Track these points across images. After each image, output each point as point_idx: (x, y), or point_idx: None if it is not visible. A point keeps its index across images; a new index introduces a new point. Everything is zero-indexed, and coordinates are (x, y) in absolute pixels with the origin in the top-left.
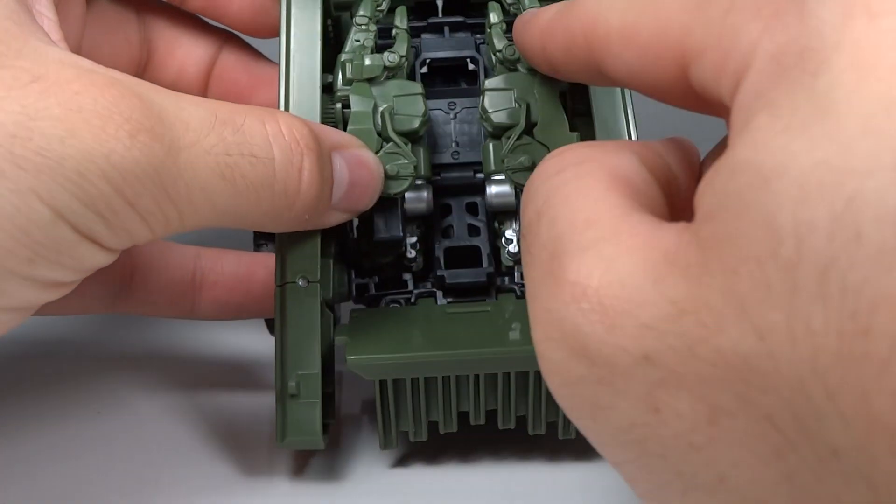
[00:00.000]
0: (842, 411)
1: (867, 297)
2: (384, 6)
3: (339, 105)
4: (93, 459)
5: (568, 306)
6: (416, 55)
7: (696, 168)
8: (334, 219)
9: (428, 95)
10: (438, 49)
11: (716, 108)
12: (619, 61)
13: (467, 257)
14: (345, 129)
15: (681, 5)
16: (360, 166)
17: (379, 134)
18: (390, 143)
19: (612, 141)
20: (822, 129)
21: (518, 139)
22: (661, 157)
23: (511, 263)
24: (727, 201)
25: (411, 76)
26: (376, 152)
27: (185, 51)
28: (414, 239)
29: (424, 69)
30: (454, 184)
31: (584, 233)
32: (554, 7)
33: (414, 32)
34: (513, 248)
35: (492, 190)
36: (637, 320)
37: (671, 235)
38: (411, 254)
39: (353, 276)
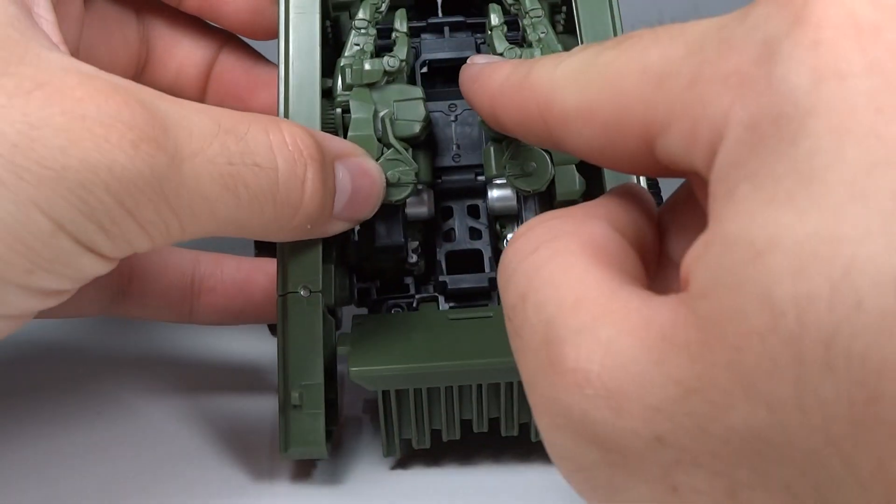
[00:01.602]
0: (859, 478)
1: (873, 364)
2: (383, 7)
3: (339, 110)
4: (92, 462)
5: (572, 394)
6: (417, 56)
7: (654, 216)
8: (336, 228)
9: (428, 97)
10: (438, 50)
11: (686, 175)
12: (579, 139)
13: (469, 261)
14: (345, 135)
15: (640, 80)
16: (362, 175)
17: (379, 140)
18: (391, 150)
19: (579, 207)
20: (809, 198)
21: (518, 144)
22: (629, 213)
23: None
24: (722, 277)
25: (411, 78)
26: (377, 158)
27: (185, 51)
28: (415, 244)
29: (425, 69)
30: (455, 187)
31: (576, 315)
32: (504, 69)
33: (414, 32)
34: None
35: (493, 194)
36: (644, 402)
37: (666, 312)
38: (413, 258)
39: (355, 280)
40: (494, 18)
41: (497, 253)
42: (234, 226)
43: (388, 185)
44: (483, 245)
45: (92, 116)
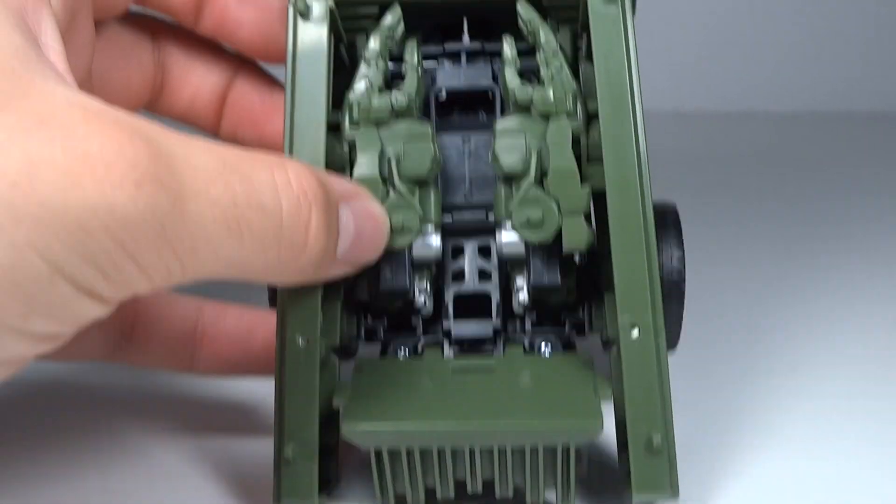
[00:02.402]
0: None
1: None
2: (397, 34)
3: (346, 146)
4: (95, 500)
5: None
6: (433, 82)
7: None
8: (338, 271)
9: (443, 128)
10: (454, 79)
11: None
12: None
13: (477, 305)
14: (351, 171)
15: None
16: (366, 218)
17: (385, 180)
18: (396, 193)
19: None
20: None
21: (528, 188)
22: None
23: (521, 312)
24: None
25: (426, 106)
26: (382, 200)
27: (200, 76)
28: (423, 284)
29: (443, 95)
30: (466, 227)
31: None
32: None
33: (432, 55)
34: (522, 296)
35: (502, 238)
36: None
37: None
38: (420, 299)
39: (363, 318)
40: (507, 50)
41: (506, 296)
42: (236, 268)
43: (392, 230)
44: (492, 287)
45: (95, 154)
